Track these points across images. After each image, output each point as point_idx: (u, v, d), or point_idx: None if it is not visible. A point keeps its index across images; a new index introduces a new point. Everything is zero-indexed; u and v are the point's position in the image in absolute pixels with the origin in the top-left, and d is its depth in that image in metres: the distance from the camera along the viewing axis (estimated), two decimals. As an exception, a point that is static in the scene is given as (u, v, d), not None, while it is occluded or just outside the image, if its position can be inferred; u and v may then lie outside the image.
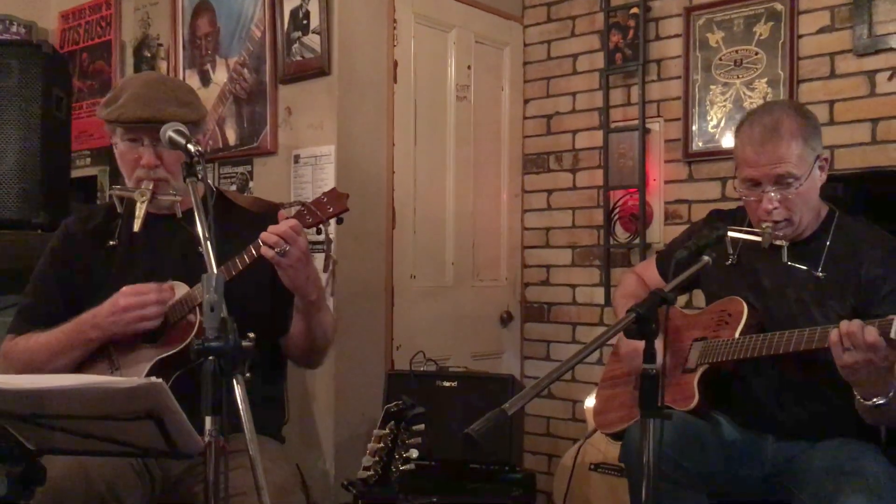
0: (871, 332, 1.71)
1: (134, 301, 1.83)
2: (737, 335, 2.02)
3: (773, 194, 1.95)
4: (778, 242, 1.98)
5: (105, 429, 1.35)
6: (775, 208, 1.96)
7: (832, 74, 2.92)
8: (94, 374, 1.87)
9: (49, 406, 1.32)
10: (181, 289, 1.90)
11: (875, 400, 1.79)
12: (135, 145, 1.94)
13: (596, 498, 2.81)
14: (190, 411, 1.36)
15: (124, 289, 1.85)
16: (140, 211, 1.87)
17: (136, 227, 1.86)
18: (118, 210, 2.01)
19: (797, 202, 1.97)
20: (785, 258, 1.99)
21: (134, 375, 1.83)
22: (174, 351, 1.85)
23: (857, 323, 1.74)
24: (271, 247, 1.76)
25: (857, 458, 1.87)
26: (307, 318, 1.92)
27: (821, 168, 2.01)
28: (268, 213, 2.01)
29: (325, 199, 1.83)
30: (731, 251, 2.05)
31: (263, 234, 1.78)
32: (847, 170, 2.83)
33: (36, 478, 1.42)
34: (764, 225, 1.98)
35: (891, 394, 1.77)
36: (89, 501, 1.66)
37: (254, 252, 1.80)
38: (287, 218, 1.82)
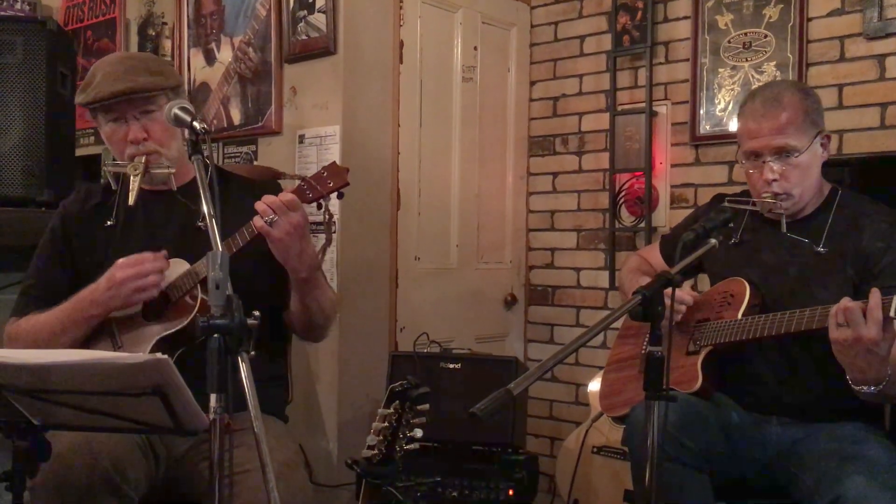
0: (877, 304, 1.70)
1: (131, 272, 1.82)
2: (739, 316, 2.03)
3: (773, 164, 1.98)
4: (777, 211, 2.00)
5: (110, 404, 1.35)
6: (775, 180, 1.99)
7: (842, 58, 2.90)
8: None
9: (54, 381, 1.32)
10: (180, 265, 1.89)
11: (863, 388, 1.79)
12: (119, 124, 1.94)
13: (598, 481, 2.81)
14: (194, 389, 1.36)
15: (119, 261, 1.84)
16: (134, 185, 1.86)
17: (131, 200, 1.85)
18: (113, 187, 2.01)
19: (796, 175, 1.99)
20: (784, 228, 2.00)
21: (137, 353, 1.83)
22: (177, 328, 1.84)
23: (856, 303, 1.74)
24: (261, 215, 1.75)
25: (860, 442, 1.87)
26: (301, 294, 1.91)
27: (822, 145, 2.04)
28: (268, 182, 2.01)
29: (326, 174, 1.81)
30: (733, 226, 2.05)
31: (257, 203, 1.77)
32: (855, 154, 2.81)
33: (41, 453, 1.42)
34: (764, 194, 2.00)
35: (881, 385, 1.77)
36: (93, 478, 1.66)
37: (254, 228, 1.79)
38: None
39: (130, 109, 1.91)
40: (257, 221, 1.76)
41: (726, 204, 1.95)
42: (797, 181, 2.00)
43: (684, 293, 2.12)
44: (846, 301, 1.75)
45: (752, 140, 2.02)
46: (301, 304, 1.93)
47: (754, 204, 2.03)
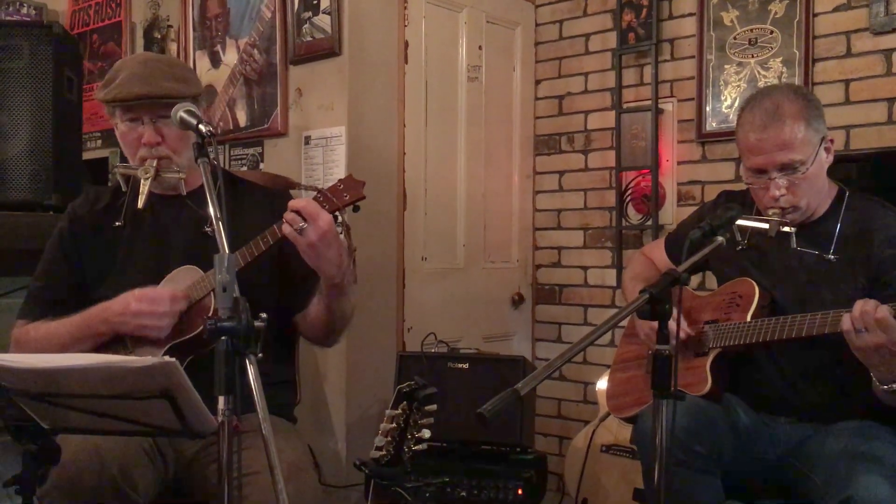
0: (883, 311, 1.70)
1: (146, 308, 1.81)
2: (748, 318, 2.01)
3: (779, 180, 1.93)
4: (785, 229, 1.96)
5: (119, 408, 1.35)
6: (783, 195, 1.94)
7: (848, 53, 2.89)
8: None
9: (63, 385, 1.32)
10: (192, 272, 1.89)
11: (893, 385, 1.78)
12: (135, 125, 1.94)
13: (607, 480, 2.81)
14: (203, 393, 1.36)
15: (137, 292, 1.83)
16: (144, 188, 1.87)
17: (140, 203, 1.85)
18: (123, 189, 2.01)
19: (804, 187, 1.94)
20: (793, 244, 1.97)
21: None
22: (188, 337, 1.85)
23: (871, 302, 1.72)
24: (289, 223, 1.75)
25: (871, 441, 1.86)
26: (328, 300, 1.89)
27: (826, 150, 1.98)
28: (280, 191, 2.00)
29: (342, 186, 1.81)
30: (741, 238, 2.03)
31: (286, 213, 1.77)
32: (862, 150, 2.80)
33: (50, 456, 1.43)
34: (771, 212, 1.96)
35: None
36: (102, 486, 1.66)
37: (277, 232, 1.79)
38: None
39: (148, 112, 1.91)
40: (286, 229, 1.75)
41: (741, 223, 1.90)
42: (805, 193, 1.95)
43: (682, 330, 2.06)
44: (860, 306, 1.74)
45: (755, 156, 1.95)
46: (327, 309, 1.91)
47: (763, 221, 1.97)
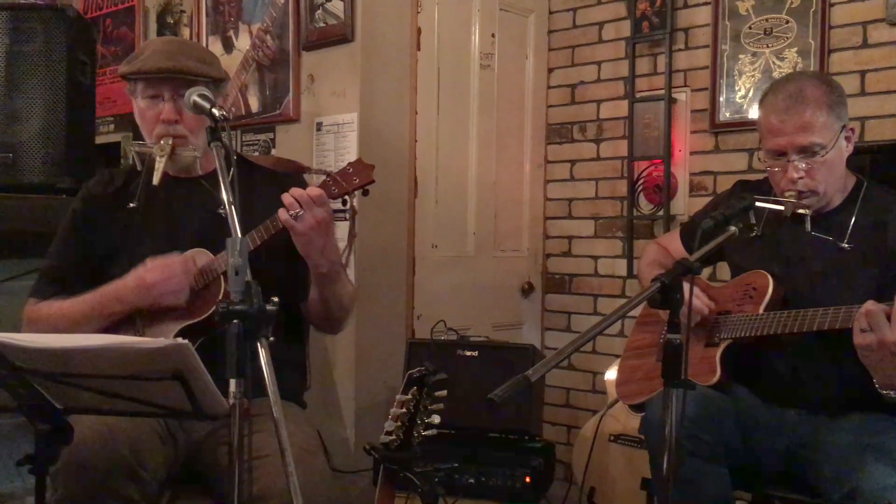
0: (868, 304, 1.70)
1: (160, 277, 1.83)
2: (761, 310, 2.00)
3: (798, 163, 1.93)
4: (801, 211, 1.96)
5: (131, 389, 1.36)
6: (800, 178, 1.94)
7: (864, 44, 2.86)
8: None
9: (76, 365, 1.33)
10: (202, 256, 1.90)
11: (890, 392, 1.78)
12: (155, 101, 1.95)
13: (615, 469, 2.81)
14: (216, 375, 1.36)
15: (149, 263, 1.85)
16: (159, 165, 1.87)
17: (155, 179, 1.86)
18: (138, 167, 2.01)
19: (822, 172, 1.94)
20: (808, 227, 1.97)
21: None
22: (199, 319, 1.85)
23: (879, 306, 1.72)
24: (287, 208, 1.75)
25: (879, 433, 1.86)
26: (320, 287, 1.92)
27: (847, 139, 1.98)
28: (292, 175, 2.01)
29: (352, 170, 1.82)
30: (755, 222, 2.02)
31: (284, 196, 1.78)
32: (878, 141, 2.77)
33: (63, 436, 1.44)
34: (787, 194, 1.95)
35: None
36: (112, 465, 1.67)
37: (279, 221, 1.79)
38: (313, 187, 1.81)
39: (169, 89, 1.92)
40: (282, 215, 1.76)
41: (757, 204, 1.90)
42: (822, 178, 1.95)
43: (701, 303, 2.08)
44: (869, 304, 1.73)
45: (775, 138, 1.96)
46: (320, 297, 1.93)
47: (779, 203, 1.98)
